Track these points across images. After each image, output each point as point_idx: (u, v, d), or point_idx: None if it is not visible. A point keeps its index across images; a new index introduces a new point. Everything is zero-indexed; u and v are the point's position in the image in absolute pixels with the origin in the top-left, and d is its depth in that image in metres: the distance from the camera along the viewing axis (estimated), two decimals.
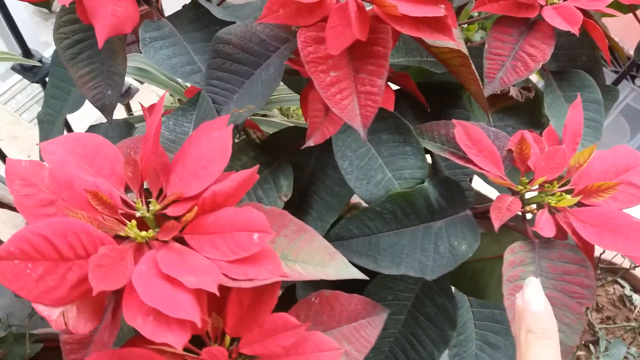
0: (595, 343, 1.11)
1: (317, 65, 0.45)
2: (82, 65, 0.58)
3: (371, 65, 0.45)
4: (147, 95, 1.47)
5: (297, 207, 0.54)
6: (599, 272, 1.14)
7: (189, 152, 0.47)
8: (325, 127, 0.49)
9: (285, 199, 0.50)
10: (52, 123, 0.70)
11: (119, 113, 1.65)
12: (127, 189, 0.47)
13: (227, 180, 0.43)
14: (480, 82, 0.49)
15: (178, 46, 0.58)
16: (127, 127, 0.63)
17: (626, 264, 1.13)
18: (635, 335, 1.14)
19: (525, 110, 0.62)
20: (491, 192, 0.63)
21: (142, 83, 1.55)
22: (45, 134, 0.71)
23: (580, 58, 0.68)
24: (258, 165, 0.43)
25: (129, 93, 1.39)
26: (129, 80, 1.41)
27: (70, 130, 1.06)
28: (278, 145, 0.54)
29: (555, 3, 0.57)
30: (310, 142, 0.49)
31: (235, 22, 0.58)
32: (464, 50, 0.49)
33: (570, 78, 0.61)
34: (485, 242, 0.53)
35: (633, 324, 1.13)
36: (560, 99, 0.60)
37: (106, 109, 0.58)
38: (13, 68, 1.13)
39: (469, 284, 0.61)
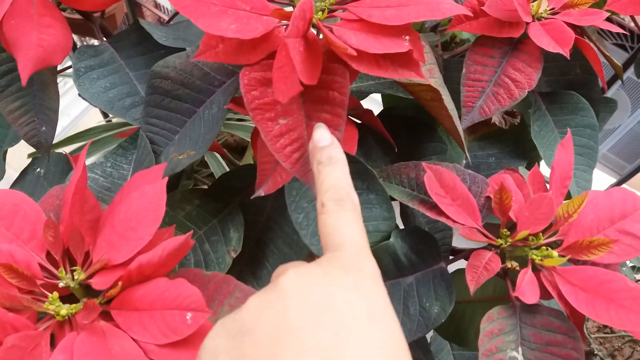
0: (590, 354, 1.06)
1: (263, 112, 0.38)
2: (11, 100, 0.51)
3: (326, 114, 0.39)
4: None
5: (251, 257, 0.48)
6: None
7: (119, 209, 0.41)
8: (277, 174, 0.43)
9: (235, 255, 0.44)
10: None
11: (96, 118, 1.58)
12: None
13: (156, 249, 0.37)
14: (453, 119, 0.43)
15: (119, 74, 0.51)
16: (69, 164, 0.57)
17: None
18: (635, 346, 1.08)
19: (510, 137, 0.55)
20: None
21: None
22: None
23: (574, 70, 0.61)
24: (191, 232, 0.37)
25: None
26: None
27: None
28: (230, 188, 0.48)
29: (543, 18, 0.50)
30: (260, 192, 0.43)
31: (181, 49, 0.51)
32: (435, 84, 0.43)
33: (561, 100, 0.54)
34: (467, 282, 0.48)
35: None
36: (549, 124, 0.54)
37: (42, 147, 0.52)
38: None
39: (449, 328, 0.56)
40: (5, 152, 0.61)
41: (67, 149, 1.04)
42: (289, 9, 0.42)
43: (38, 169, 0.59)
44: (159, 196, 0.40)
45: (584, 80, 0.60)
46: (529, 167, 0.56)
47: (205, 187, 0.90)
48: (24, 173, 0.61)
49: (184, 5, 0.36)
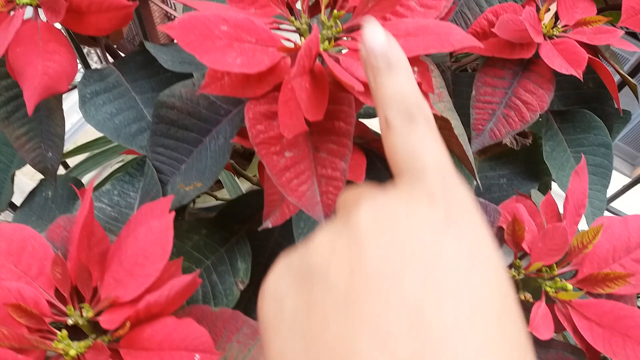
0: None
1: (269, 146, 0.38)
2: (18, 125, 0.51)
3: (332, 144, 0.38)
4: None
5: (260, 285, 0.47)
6: None
7: (126, 244, 0.40)
8: (285, 205, 0.42)
9: (242, 287, 0.44)
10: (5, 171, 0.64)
11: None
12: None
13: (163, 289, 0.37)
14: (463, 147, 0.42)
15: (124, 98, 0.51)
16: (76, 186, 0.57)
17: None
18: None
19: (522, 157, 0.54)
20: None
21: None
22: None
23: (586, 84, 0.60)
24: (198, 271, 0.36)
25: None
26: None
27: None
28: (236, 215, 0.48)
29: (555, 36, 0.49)
30: (267, 224, 0.42)
31: (189, 75, 0.51)
32: (444, 108, 0.42)
33: (574, 119, 0.53)
34: None
35: None
36: (562, 144, 0.53)
37: (48, 172, 0.52)
38: None
39: None
40: (13, 174, 0.61)
41: (76, 159, 1.05)
42: (296, 38, 0.41)
43: (46, 192, 0.59)
44: (166, 232, 0.39)
45: (596, 93, 0.58)
46: (541, 187, 0.55)
47: (213, 199, 0.90)
48: (32, 195, 0.61)
49: (189, 42, 0.35)
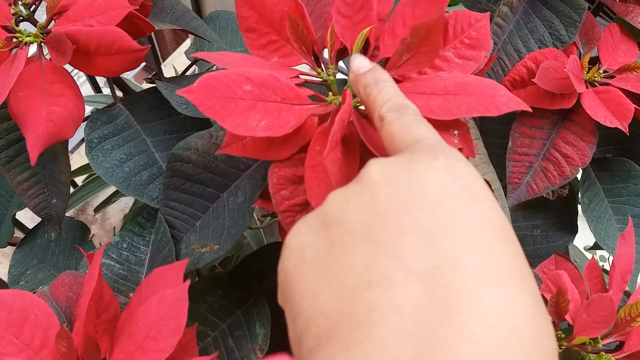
0: None
1: (294, 214, 0.35)
2: (20, 170, 0.48)
3: None
4: None
5: (279, 347, 0.44)
6: None
7: (137, 314, 0.37)
8: None
9: (261, 355, 0.41)
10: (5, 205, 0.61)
11: None
12: None
13: None
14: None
15: (135, 142, 0.48)
16: (81, 231, 0.54)
17: None
18: None
19: (557, 205, 0.51)
20: None
21: None
22: None
23: None
24: (217, 353, 0.33)
25: None
26: None
27: None
28: (253, 272, 0.45)
29: (597, 83, 0.46)
30: None
31: (204, 119, 0.48)
32: (480, 161, 0.39)
33: (612, 167, 0.50)
34: None
35: None
36: (599, 194, 0.49)
37: (52, 219, 0.49)
38: None
39: None
40: (14, 215, 0.58)
41: (82, 177, 1.02)
42: (326, 93, 0.38)
43: (49, 233, 0.56)
44: (181, 303, 0.36)
45: (632, 134, 0.55)
46: None
47: None
48: (33, 234, 0.57)
49: (210, 106, 0.32)
